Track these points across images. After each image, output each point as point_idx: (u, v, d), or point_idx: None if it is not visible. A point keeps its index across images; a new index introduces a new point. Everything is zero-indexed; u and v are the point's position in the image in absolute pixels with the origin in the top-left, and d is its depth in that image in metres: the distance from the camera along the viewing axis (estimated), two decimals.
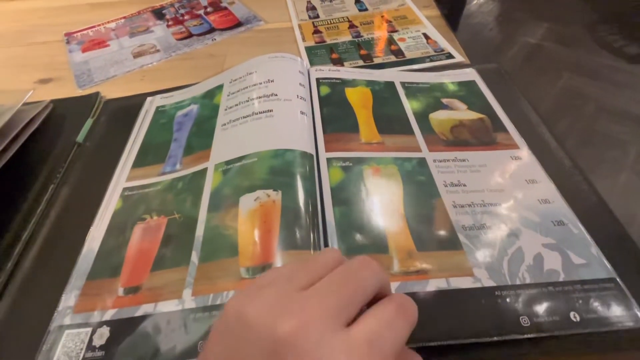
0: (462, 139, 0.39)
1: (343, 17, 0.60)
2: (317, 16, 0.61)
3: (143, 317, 0.27)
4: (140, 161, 0.39)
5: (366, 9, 0.62)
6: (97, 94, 0.49)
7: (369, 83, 0.45)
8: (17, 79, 0.54)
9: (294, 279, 0.19)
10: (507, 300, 0.26)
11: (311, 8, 0.63)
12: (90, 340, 0.26)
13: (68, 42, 0.60)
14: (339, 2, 0.64)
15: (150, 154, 0.40)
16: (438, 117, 0.41)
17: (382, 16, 0.60)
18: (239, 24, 0.61)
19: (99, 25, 0.63)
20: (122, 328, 0.26)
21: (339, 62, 0.51)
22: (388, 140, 0.38)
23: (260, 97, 0.40)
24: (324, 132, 0.39)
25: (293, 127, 0.37)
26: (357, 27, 0.58)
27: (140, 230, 0.33)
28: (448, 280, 0.27)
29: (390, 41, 0.54)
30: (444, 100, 0.43)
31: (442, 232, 0.30)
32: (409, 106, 0.42)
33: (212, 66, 0.53)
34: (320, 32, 0.58)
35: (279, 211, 0.31)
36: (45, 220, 0.35)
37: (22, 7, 0.70)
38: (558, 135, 0.39)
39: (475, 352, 0.25)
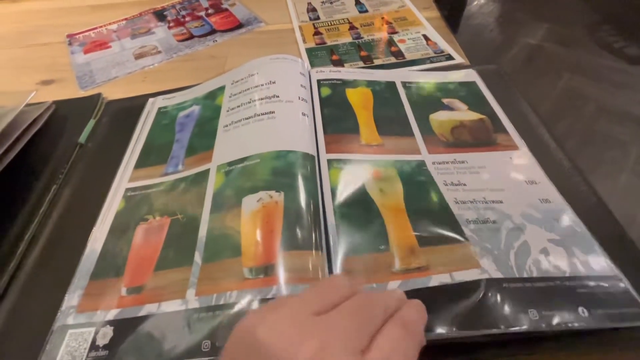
0: (462, 139, 0.39)
1: (343, 19, 0.61)
2: (318, 18, 0.62)
3: (146, 317, 0.27)
4: (143, 162, 0.39)
5: (366, 11, 0.62)
6: (99, 95, 0.49)
7: (370, 83, 0.45)
8: (20, 80, 0.54)
9: (307, 302, 0.19)
10: (515, 292, 0.26)
11: (312, 9, 0.64)
12: (94, 339, 0.26)
13: (70, 44, 0.60)
14: (340, 4, 0.65)
15: (153, 155, 0.40)
16: (438, 118, 0.41)
17: (383, 18, 0.60)
18: (239, 26, 0.61)
19: (100, 26, 0.64)
20: (125, 328, 0.27)
21: (339, 63, 0.52)
22: (388, 142, 0.38)
23: (262, 99, 0.40)
24: (325, 133, 0.39)
25: (295, 129, 0.38)
26: (357, 28, 0.58)
27: (143, 230, 0.33)
28: (452, 275, 0.27)
29: (391, 43, 0.55)
30: (445, 101, 0.43)
31: (445, 227, 0.31)
32: (410, 106, 0.42)
33: (213, 67, 0.53)
34: (321, 33, 0.58)
35: (282, 212, 0.31)
36: (48, 221, 0.35)
37: (24, 9, 0.70)
38: (558, 136, 0.39)
39: (482, 346, 0.25)
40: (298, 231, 0.30)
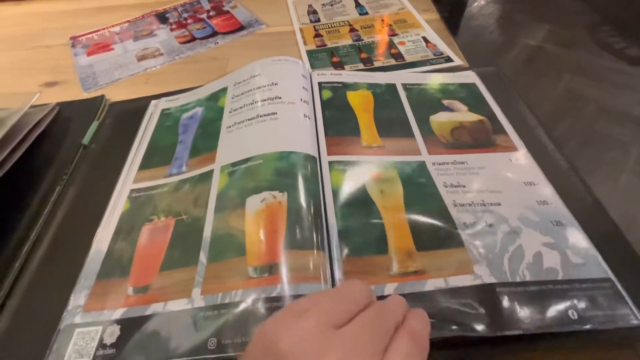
0: (462, 140, 0.39)
1: (344, 21, 0.61)
2: (318, 20, 0.62)
3: (153, 316, 0.27)
4: (147, 163, 0.40)
5: (367, 13, 0.63)
6: (102, 96, 0.49)
7: (371, 86, 0.46)
8: (24, 82, 0.54)
9: (329, 314, 0.19)
10: (508, 297, 0.27)
11: (312, 12, 0.64)
12: (101, 338, 0.27)
13: (73, 46, 0.61)
14: (340, 6, 0.65)
15: (157, 156, 0.40)
16: (439, 119, 0.41)
17: (383, 20, 0.61)
18: (241, 28, 0.62)
19: (103, 29, 0.64)
20: (132, 326, 0.27)
21: (339, 65, 0.52)
22: (388, 144, 0.39)
23: (264, 100, 0.41)
24: (326, 135, 0.39)
25: (297, 130, 0.38)
26: (357, 30, 0.59)
27: (148, 231, 0.33)
28: (446, 280, 0.28)
29: (391, 45, 0.55)
30: (445, 102, 0.44)
31: (443, 231, 0.31)
32: (410, 108, 0.43)
33: (215, 69, 0.53)
34: (321, 35, 0.58)
35: (285, 212, 0.31)
36: (52, 222, 0.36)
37: (28, 11, 0.70)
38: (557, 137, 0.39)
39: (474, 348, 0.26)
40: (301, 231, 0.30)
